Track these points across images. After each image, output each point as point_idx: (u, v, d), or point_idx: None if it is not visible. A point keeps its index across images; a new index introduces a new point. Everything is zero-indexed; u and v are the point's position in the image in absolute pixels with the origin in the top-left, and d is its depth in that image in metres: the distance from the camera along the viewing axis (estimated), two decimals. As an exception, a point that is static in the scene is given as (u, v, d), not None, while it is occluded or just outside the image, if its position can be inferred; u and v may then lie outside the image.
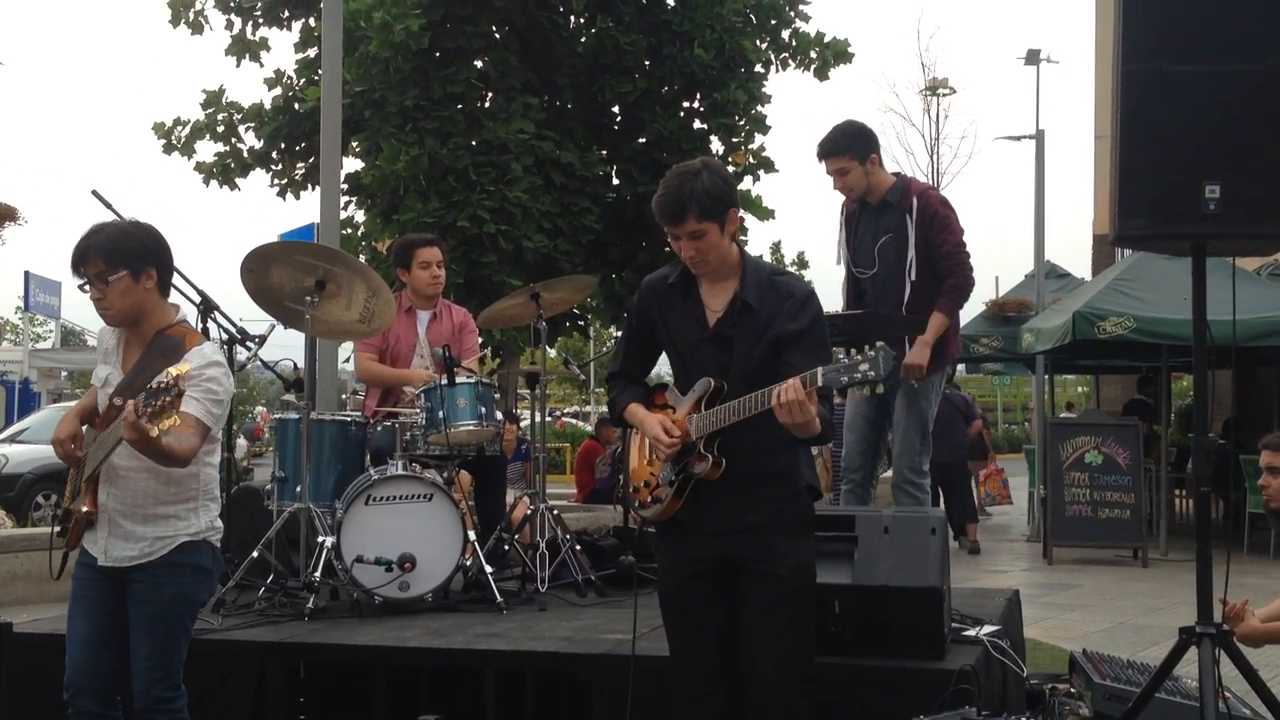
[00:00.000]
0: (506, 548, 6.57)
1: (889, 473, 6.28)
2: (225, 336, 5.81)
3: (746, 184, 15.69)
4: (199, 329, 5.21)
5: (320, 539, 5.85)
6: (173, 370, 3.61)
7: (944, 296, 5.84)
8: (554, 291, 6.81)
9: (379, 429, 6.39)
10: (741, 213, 15.37)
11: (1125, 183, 4.14)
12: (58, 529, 4.18)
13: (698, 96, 15.24)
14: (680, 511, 3.83)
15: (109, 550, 4.02)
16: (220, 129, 15.60)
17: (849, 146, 5.83)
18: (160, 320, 4.08)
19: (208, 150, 15.75)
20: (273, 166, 15.75)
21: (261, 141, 15.57)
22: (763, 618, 3.73)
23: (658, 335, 3.99)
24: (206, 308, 5.74)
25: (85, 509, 3.98)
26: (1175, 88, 4.07)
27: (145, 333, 4.06)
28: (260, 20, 15.71)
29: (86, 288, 4.03)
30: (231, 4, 15.50)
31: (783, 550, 3.75)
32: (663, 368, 4.21)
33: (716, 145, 15.43)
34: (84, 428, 4.19)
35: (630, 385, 4.07)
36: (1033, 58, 26.25)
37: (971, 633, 4.83)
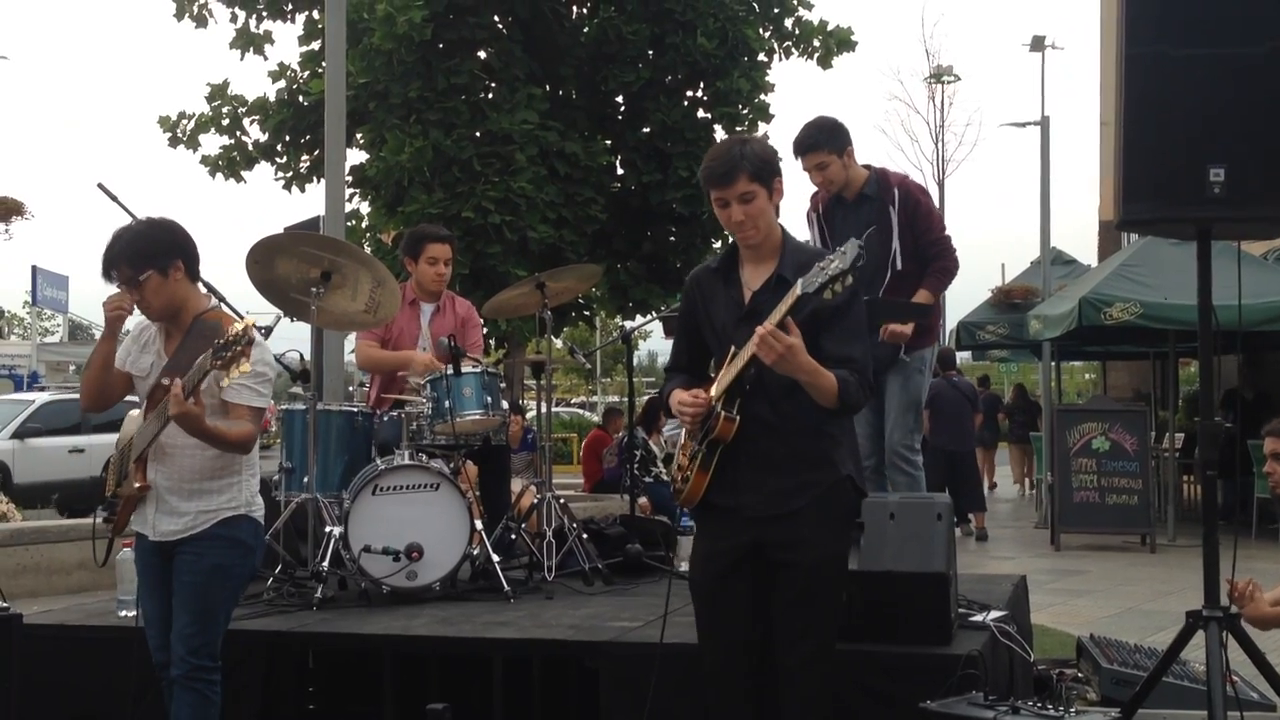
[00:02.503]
0: (513, 537, 6.58)
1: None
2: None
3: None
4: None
5: (328, 529, 5.87)
6: (239, 323, 3.89)
7: (931, 276, 5.96)
8: (559, 281, 6.81)
9: (385, 419, 6.40)
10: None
11: (1129, 166, 4.12)
12: (102, 517, 4.34)
13: (701, 85, 15.25)
14: (718, 495, 3.74)
15: (156, 525, 4.21)
16: (225, 122, 15.63)
17: (826, 141, 5.86)
18: (196, 306, 4.28)
19: (213, 143, 15.83)
20: (278, 159, 15.79)
21: (266, 134, 15.61)
22: (791, 611, 3.69)
23: (702, 325, 3.91)
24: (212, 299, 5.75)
25: (138, 485, 4.16)
26: (1179, 71, 4.06)
27: (184, 320, 4.24)
28: (264, 13, 15.72)
29: (122, 290, 4.20)
30: (235, -4, 15.52)
31: (814, 542, 3.67)
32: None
33: (720, 134, 15.42)
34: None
35: (677, 375, 4.02)
36: (1038, 44, 26.18)
37: (978, 618, 4.83)
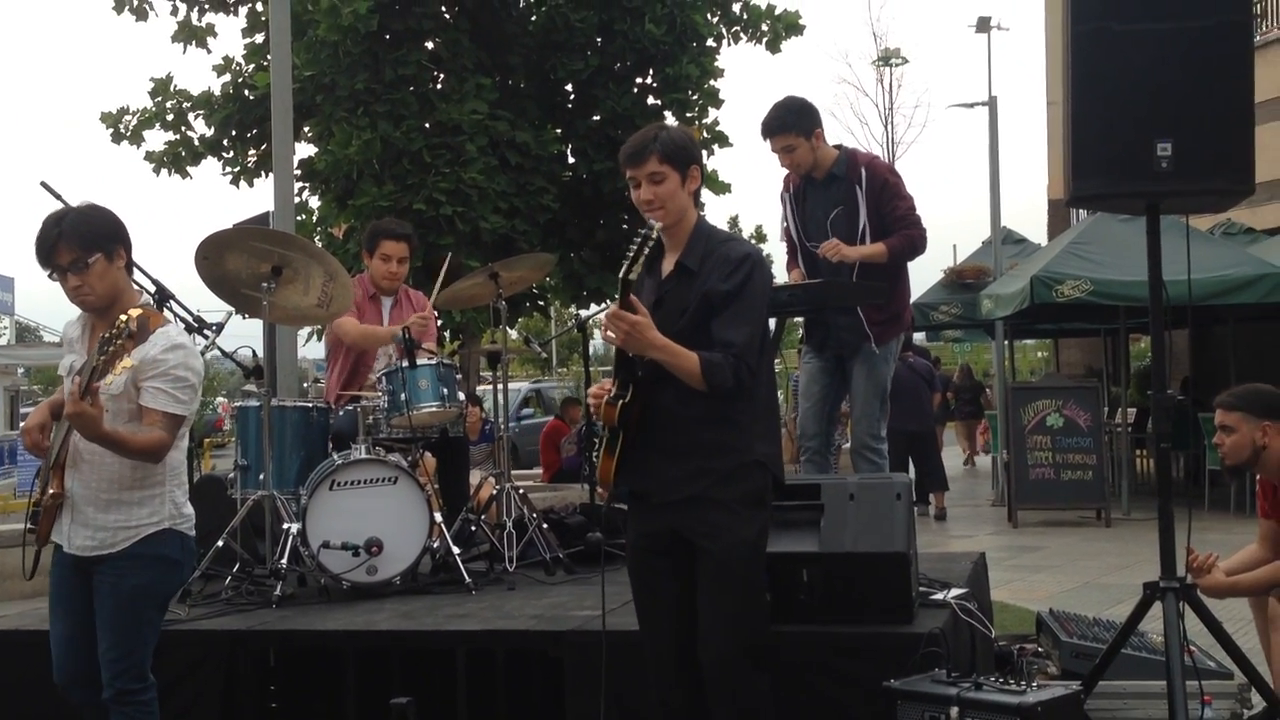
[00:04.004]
0: (473, 528, 6.55)
1: (850, 443, 6.30)
2: (183, 326, 5.75)
3: (702, 158, 15.66)
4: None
5: (285, 526, 5.82)
6: (125, 315, 3.63)
7: (896, 236, 5.82)
8: (512, 270, 6.78)
9: (341, 413, 6.35)
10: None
11: (1078, 143, 4.16)
12: (29, 526, 4.10)
13: (650, 72, 15.20)
14: (629, 479, 3.81)
15: (72, 538, 3.99)
16: (170, 117, 15.41)
17: (794, 124, 5.83)
18: (129, 300, 4.07)
19: (157, 139, 15.59)
20: (224, 154, 15.59)
21: (212, 129, 15.40)
22: (705, 596, 3.73)
23: None
24: (162, 297, 5.68)
25: (52, 492, 3.93)
26: (1124, 47, 4.09)
27: (112, 316, 3.97)
28: (205, 6, 15.51)
29: (59, 277, 3.97)
30: (175, -10, 15.31)
31: (724, 526, 3.70)
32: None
33: (670, 121, 15.39)
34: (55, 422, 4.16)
35: None
36: (983, 25, 26.28)
37: (939, 596, 4.86)
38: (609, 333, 3.61)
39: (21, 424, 4.25)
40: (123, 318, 3.64)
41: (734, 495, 3.74)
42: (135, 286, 4.24)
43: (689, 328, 3.69)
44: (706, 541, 3.71)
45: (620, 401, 3.70)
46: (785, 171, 6.09)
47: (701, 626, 3.74)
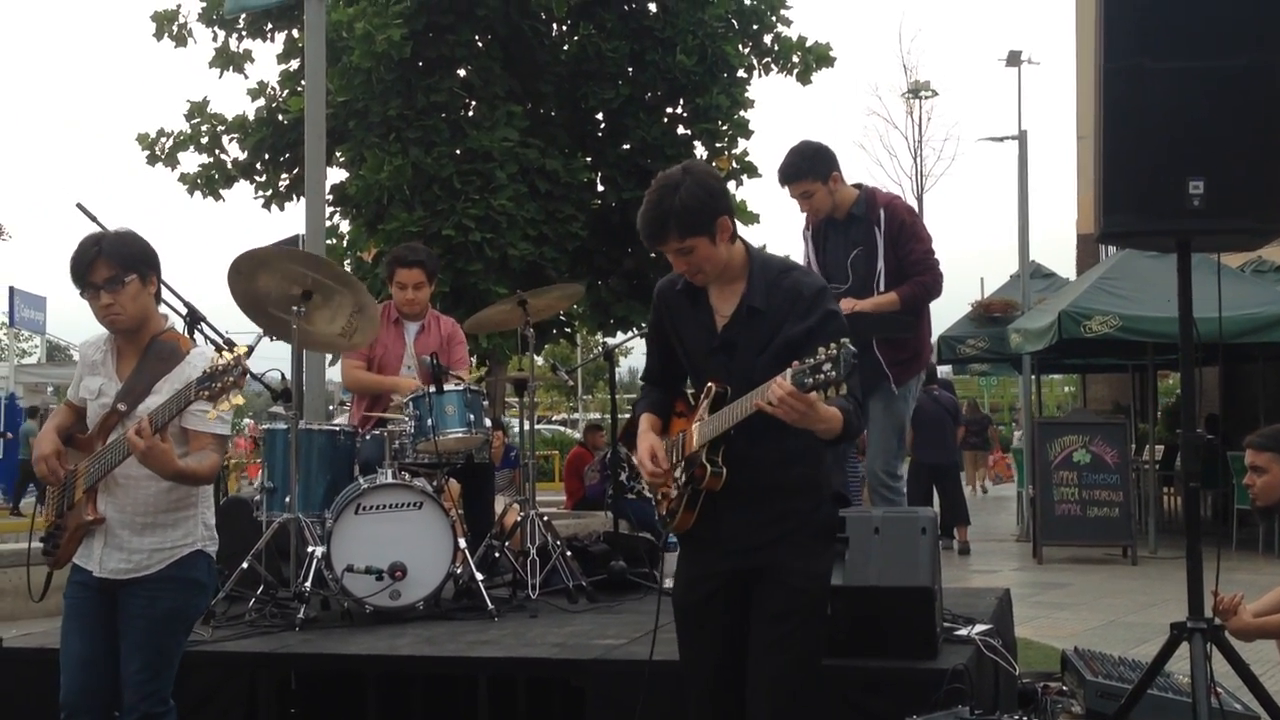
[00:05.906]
0: (497, 555, 6.56)
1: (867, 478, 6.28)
2: (213, 348, 5.78)
3: (730, 188, 15.71)
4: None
5: (310, 549, 5.83)
6: (229, 353, 3.69)
7: (908, 285, 5.81)
8: (541, 299, 6.81)
9: (367, 438, 6.37)
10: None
11: (1109, 180, 4.15)
12: (42, 548, 4.10)
13: (681, 102, 15.26)
14: (699, 526, 3.68)
15: (104, 561, 3.97)
16: (204, 140, 15.57)
17: (810, 169, 5.82)
18: (156, 326, 4.08)
19: (191, 162, 15.74)
20: (257, 178, 15.73)
21: (245, 153, 15.55)
22: (767, 626, 3.62)
23: (672, 341, 3.87)
24: (193, 319, 5.72)
25: (90, 518, 3.93)
26: (1157, 85, 4.09)
27: (141, 340, 4.03)
28: (243, 33, 15.69)
29: (91, 295, 3.97)
30: (215, 17, 15.48)
31: (797, 561, 3.61)
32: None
33: (700, 151, 15.44)
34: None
35: (652, 390, 3.97)
36: (1014, 59, 26.36)
37: (963, 632, 4.83)
38: (778, 410, 3.33)
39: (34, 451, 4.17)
40: (224, 358, 3.68)
41: (811, 533, 3.66)
42: (163, 311, 4.24)
43: (768, 368, 3.47)
44: (775, 575, 3.60)
45: (723, 472, 3.59)
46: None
47: (755, 652, 3.62)
